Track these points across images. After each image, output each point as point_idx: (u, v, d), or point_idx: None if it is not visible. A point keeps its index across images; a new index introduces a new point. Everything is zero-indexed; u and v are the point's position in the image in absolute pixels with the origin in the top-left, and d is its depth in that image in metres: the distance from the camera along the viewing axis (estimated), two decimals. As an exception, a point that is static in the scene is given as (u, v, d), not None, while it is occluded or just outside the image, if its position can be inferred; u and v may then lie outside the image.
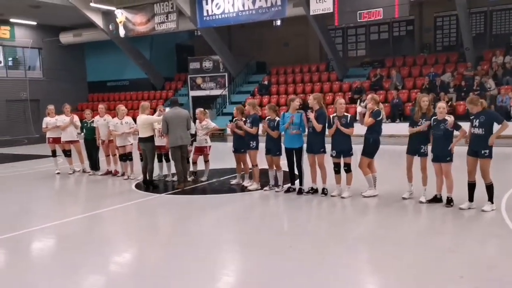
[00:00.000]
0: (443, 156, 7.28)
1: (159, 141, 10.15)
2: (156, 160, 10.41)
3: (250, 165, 9.47)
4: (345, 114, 8.18)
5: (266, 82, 23.93)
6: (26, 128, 26.27)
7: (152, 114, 10.76)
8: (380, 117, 8.03)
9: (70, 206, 8.90)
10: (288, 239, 6.26)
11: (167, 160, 10.50)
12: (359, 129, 8.42)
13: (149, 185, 9.74)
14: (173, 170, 10.32)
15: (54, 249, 6.43)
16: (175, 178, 10.16)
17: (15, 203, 9.26)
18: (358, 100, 19.47)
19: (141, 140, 9.72)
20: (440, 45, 23.10)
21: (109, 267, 5.49)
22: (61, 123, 11.79)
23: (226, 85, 24.72)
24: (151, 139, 9.72)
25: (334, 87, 22.20)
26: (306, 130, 8.49)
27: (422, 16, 23.12)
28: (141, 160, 10.22)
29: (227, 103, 23.92)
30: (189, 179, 10.15)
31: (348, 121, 8.11)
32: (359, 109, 15.90)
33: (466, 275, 4.75)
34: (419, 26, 23.34)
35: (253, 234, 6.63)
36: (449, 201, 7.36)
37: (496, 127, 6.99)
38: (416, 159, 7.84)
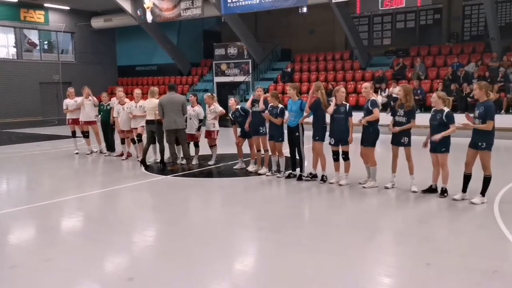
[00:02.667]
0: (439, 146, 7.33)
1: None
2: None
3: (259, 150, 9.70)
4: (344, 102, 8.29)
5: (289, 70, 24.01)
6: (58, 109, 27.22)
7: None
8: (377, 106, 8.10)
9: (83, 184, 9.39)
10: (274, 222, 6.50)
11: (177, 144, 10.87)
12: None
13: (161, 163, 10.41)
14: (179, 153, 10.76)
15: (70, 221, 6.91)
16: (184, 162, 10.57)
17: (35, 179, 9.95)
18: (379, 90, 19.33)
19: (152, 122, 10.18)
20: (468, 35, 22.54)
21: (116, 239, 5.87)
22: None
23: (250, 71, 24.92)
24: (160, 121, 10.15)
25: (357, 76, 22.07)
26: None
27: (451, 4, 22.59)
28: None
29: (251, 90, 24.12)
30: (193, 162, 10.57)
31: (347, 110, 8.22)
32: (379, 98, 15.85)
33: (433, 263, 4.87)
34: (447, 15, 22.81)
35: (243, 216, 6.93)
36: (443, 192, 7.42)
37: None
38: (402, 150, 7.94)
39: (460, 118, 7.37)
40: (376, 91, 19.65)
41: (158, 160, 10.58)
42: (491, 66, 18.75)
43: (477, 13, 22.04)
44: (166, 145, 10.23)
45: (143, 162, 10.42)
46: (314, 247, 5.46)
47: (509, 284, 4.39)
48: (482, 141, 6.90)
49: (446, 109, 7.28)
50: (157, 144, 10.59)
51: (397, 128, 7.78)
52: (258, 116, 9.35)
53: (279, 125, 9.02)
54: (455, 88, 17.80)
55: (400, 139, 7.84)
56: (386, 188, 8.04)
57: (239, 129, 10.03)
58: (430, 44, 22.27)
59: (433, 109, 7.50)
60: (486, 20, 19.05)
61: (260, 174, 9.47)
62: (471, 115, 7.08)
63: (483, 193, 7.07)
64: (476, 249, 5.34)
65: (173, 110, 9.77)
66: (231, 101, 10.08)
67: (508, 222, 6.08)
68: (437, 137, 7.19)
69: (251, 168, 9.84)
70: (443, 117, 7.22)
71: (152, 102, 10.26)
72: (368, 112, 8.04)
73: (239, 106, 9.96)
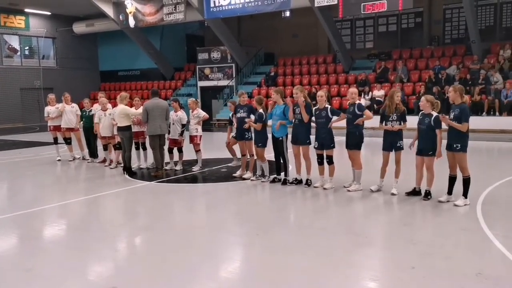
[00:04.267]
0: (426, 150, 7.37)
1: (137, 128, 10.61)
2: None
3: (244, 155, 9.63)
4: (326, 106, 8.30)
5: (273, 73, 24.07)
6: (39, 116, 26.83)
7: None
8: (365, 108, 8.16)
9: (65, 191, 9.23)
10: (259, 226, 6.46)
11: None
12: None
13: (128, 171, 10.24)
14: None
15: (52, 229, 6.78)
16: (175, 167, 10.75)
17: (16, 187, 9.78)
18: (362, 93, 19.46)
19: (119, 129, 10.15)
20: (449, 38, 22.84)
21: (98, 247, 5.77)
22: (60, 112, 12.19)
23: (234, 75, 24.90)
24: (128, 128, 10.13)
25: (340, 79, 22.21)
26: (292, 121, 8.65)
27: (431, 8, 22.88)
28: (120, 148, 10.75)
29: (234, 94, 24.12)
30: (177, 167, 10.69)
31: (330, 114, 8.23)
32: (363, 101, 15.93)
33: (418, 266, 4.88)
34: (428, 18, 23.10)
35: (226, 221, 6.88)
36: (427, 194, 7.47)
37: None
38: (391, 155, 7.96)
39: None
40: (359, 94, 19.80)
41: (135, 166, 10.63)
42: (472, 68, 19.02)
43: (457, 17, 22.36)
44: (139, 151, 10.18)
45: (126, 169, 10.32)
46: (299, 251, 5.43)
47: (492, 286, 4.42)
48: (456, 143, 7.00)
49: (435, 114, 7.32)
50: (144, 151, 10.55)
51: (397, 126, 7.73)
52: (243, 121, 9.34)
53: (260, 130, 9.03)
54: (437, 91, 17.99)
55: (395, 143, 7.83)
56: (371, 191, 8.06)
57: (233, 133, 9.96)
58: (411, 47, 22.53)
59: (421, 112, 7.55)
60: (467, 23, 19.32)
61: (244, 179, 9.44)
62: (447, 116, 7.16)
63: (465, 195, 7.13)
64: (460, 252, 5.38)
65: (159, 116, 9.77)
66: (231, 105, 10.03)
67: (490, 224, 6.14)
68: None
69: (238, 173, 9.81)
70: (431, 121, 7.27)
71: (118, 108, 10.15)
72: (355, 116, 8.05)
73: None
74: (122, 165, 10.51)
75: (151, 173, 10.21)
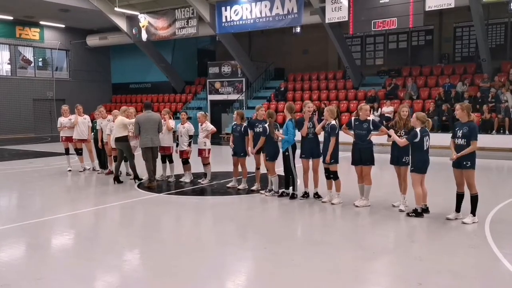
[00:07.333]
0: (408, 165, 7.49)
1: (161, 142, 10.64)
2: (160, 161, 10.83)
3: (258, 168, 9.66)
4: (332, 122, 8.34)
5: (282, 88, 24.22)
6: (51, 126, 27.18)
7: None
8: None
9: (75, 201, 9.34)
10: (267, 240, 6.49)
11: (170, 162, 10.89)
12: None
13: (136, 179, 10.61)
14: (176, 171, 10.86)
15: (62, 239, 6.83)
16: (181, 179, 10.89)
17: (27, 196, 9.89)
18: (372, 109, 19.48)
19: (116, 140, 10.39)
20: (459, 56, 22.87)
21: (107, 258, 5.84)
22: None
23: (243, 90, 25.08)
24: (125, 139, 10.43)
25: (349, 95, 22.29)
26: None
27: (442, 26, 22.96)
28: (114, 160, 11.03)
29: (244, 108, 24.27)
30: (187, 180, 10.78)
31: (329, 130, 8.29)
32: (372, 117, 15.97)
33: (425, 283, 4.88)
34: (439, 36, 23.18)
35: (234, 235, 6.92)
36: (414, 211, 7.43)
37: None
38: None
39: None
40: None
41: (132, 177, 10.82)
42: (482, 86, 18.99)
43: (468, 35, 22.41)
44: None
45: (136, 177, 10.59)
46: (306, 266, 5.45)
47: (499, 304, 4.41)
48: (466, 160, 6.99)
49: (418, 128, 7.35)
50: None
51: (404, 142, 7.75)
52: (259, 136, 9.38)
53: (273, 143, 9.09)
54: (446, 108, 18.00)
55: (401, 158, 7.84)
56: (393, 206, 8.04)
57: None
58: (421, 65, 22.58)
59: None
60: (477, 41, 19.36)
61: (252, 191, 9.49)
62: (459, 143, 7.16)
63: (473, 212, 7.11)
64: (468, 270, 5.36)
65: (151, 129, 9.99)
66: (236, 115, 10.03)
67: (499, 242, 6.12)
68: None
69: (241, 186, 9.85)
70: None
71: (117, 120, 10.48)
72: (368, 132, 8.12)
73: (245, 123, 9.84)
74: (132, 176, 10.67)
75: (145, 184, 10.37)
